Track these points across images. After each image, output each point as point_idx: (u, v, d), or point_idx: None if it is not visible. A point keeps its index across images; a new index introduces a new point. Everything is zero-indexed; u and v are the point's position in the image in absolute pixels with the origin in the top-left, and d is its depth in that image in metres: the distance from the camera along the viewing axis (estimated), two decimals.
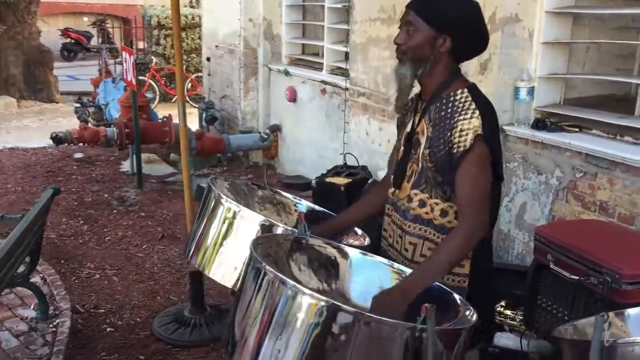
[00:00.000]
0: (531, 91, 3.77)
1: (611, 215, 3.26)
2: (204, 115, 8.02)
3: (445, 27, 2.00)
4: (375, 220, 2.74)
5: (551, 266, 2.68)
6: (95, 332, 3.74)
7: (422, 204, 2.09)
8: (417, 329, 1.57)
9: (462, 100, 2.02)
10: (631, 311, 1.90)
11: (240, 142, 7.20)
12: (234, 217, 2.28)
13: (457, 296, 1.91)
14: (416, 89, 2.20)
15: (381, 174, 4.45)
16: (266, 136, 7.10)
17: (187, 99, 12.48)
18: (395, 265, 2.08)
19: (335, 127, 5.88)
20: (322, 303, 1.62)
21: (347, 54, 6.12)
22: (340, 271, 2.11)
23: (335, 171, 4.65)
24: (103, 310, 4.01)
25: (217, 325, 3.75)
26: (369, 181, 4.41)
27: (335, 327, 1.61)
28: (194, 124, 7.91)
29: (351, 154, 4.78)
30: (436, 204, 2.07)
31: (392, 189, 2.24)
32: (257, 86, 7.41)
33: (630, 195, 3.15)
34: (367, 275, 2.11)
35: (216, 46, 8.39)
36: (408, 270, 2.03)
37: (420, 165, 2.08)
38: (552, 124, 3.66)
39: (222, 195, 2.33)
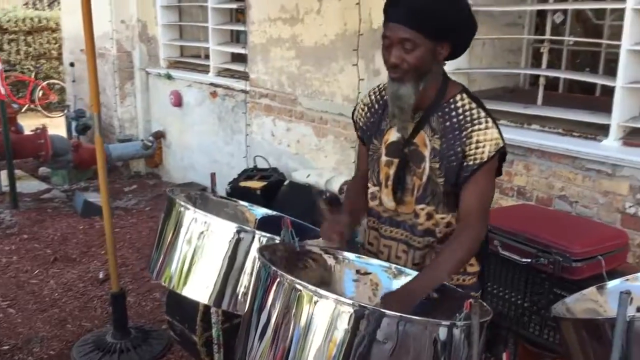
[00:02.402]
0: None
1: (529, 199, 3.49)
2: (74, 125, 7.47)
3: (444, 34, 1.86)
4: None
5: (500, 251, 2.80)
6: None
7: (429, 216, 1.99)
8: (457, 326, 1.57)
9: (467, 107, 1.93)
10: (610, 284, 2.04)
11: (121, 152, 6.79)
12: (204, 228, 2.13)
13: (459, 289, 1.93)
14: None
15: (296, 175, 4.40)
16: (150, 143, 6.77)
17: (39, 108, 11.57)
18: (393, 266, 2.03)
19: (230, 130, 5.74)
20: (350, 308, 1.56)
21: (233, 55, 6.01)
22: (334, 274, 2.05)
23: (247, 175, 4.53)
24: (7, 347, 3.57)
25: (145, 347, 3.50)
26: (285, 183, 4.35)
27: (367, 329, 1.55)
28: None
29: (262, 156, 4.68)
30: (442, 218, 1.99)
31: (377, 202, 2.10)
32: (134, 91, 7.04)
33: (547, 179, 3.39)
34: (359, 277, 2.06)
35: (81, 50, 7.83)
36: (406, 270, 2.00)
37: (425, 179, 1.97)
38: None
39: (190, 207, 2.18)
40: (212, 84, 5.88)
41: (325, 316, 1.58)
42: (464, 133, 1.89)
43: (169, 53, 6.84)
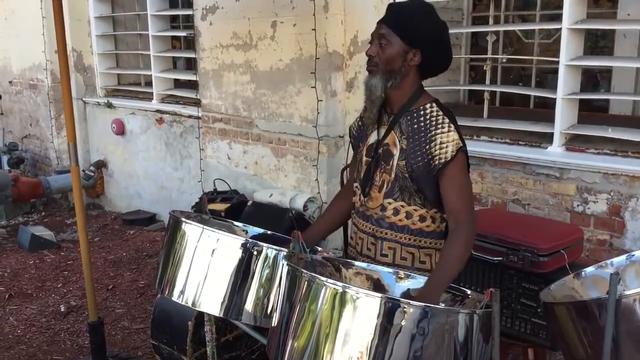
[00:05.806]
0: None
1: (484, 204, 3.77)
2: (5, 158, 7.24)
3: (417, 41, 2.11)
4: None
5: (473, 254, 3.04)
6: None
7: (396, 212, 2.21)
8: (476, 313, 1.76)
9: (434, 114, 2.16)
10: (587, 271, 2.31)
11: (61, 184, 6.62)
12: (215, 244, 2.24)
13: (462, 288, 2.14)
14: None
15: (258, 195, 4.52)
16: (92, 173, 6.68)
17: None
18: (401, 272, 2.20)
19: (179, 155, 5.77)
20: (379, 300, 1.72)
21: (176, 82, 6.08)
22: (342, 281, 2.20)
23: (209, 198, 4.59)
24: None
25: None
26: (249, 203, 4.46)
27: (397, 320, 1.71)
28: None
29: (222, 179, 4.76)
30: (415, 210, 2.20)
31: (357, 198, 2.33)
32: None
33: (500, 185, 3.69)
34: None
35: (10, 82, 7.63)
36: (415, 275, 2.18)
37: (393, 175, 2.20)
38: None
39: (199, 225, 2.28)
40: (158, 111, 5.91)
41: (358, 310, 1.74)
42: (428, 135, 2.13)
43: (106, 82, 6.80)
